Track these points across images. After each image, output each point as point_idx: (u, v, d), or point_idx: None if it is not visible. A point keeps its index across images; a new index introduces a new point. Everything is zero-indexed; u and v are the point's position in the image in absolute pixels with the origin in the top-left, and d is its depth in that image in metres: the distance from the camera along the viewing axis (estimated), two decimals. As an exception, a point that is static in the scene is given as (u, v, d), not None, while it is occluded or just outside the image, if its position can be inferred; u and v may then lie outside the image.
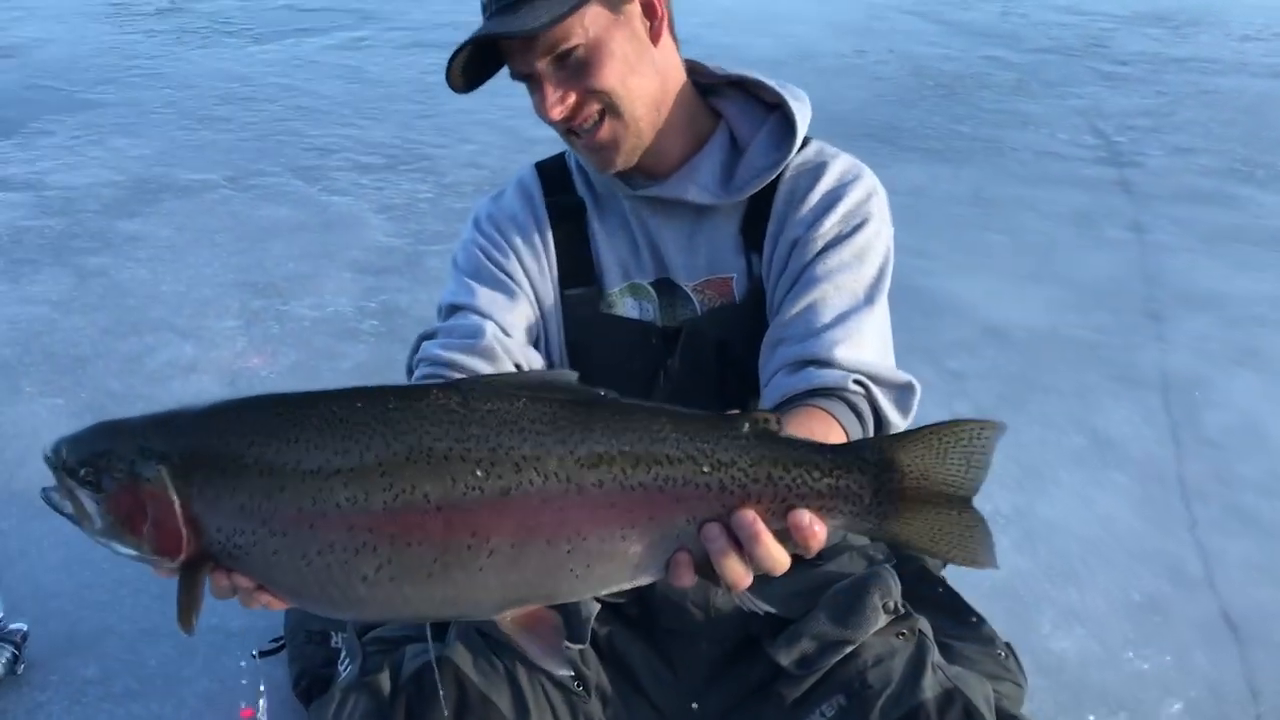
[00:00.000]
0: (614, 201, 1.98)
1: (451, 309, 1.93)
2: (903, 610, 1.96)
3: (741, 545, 1.32)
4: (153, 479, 1.29)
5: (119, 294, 4.54)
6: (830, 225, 1.84)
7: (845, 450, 1.37)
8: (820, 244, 1.83)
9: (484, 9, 1.75)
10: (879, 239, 1.87)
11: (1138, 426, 3.72)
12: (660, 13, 1.83)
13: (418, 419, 1.27)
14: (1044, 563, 3.10)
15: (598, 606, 1.98)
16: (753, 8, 8.82)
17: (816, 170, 1.89)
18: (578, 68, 1.73)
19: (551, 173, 2.05)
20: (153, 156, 5.80)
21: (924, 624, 1.99)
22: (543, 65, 1.72)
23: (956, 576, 2.23)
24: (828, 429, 1.65)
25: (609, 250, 1.97)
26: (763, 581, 2.11)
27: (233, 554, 1.31)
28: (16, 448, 3.51)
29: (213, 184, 5.50)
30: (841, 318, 1.78)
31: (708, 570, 1.34)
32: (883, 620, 1.92)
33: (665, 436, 1.31)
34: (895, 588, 1.97)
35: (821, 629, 1.91)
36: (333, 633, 2.55)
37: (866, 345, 1.79)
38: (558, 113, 1.75)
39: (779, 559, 1.33)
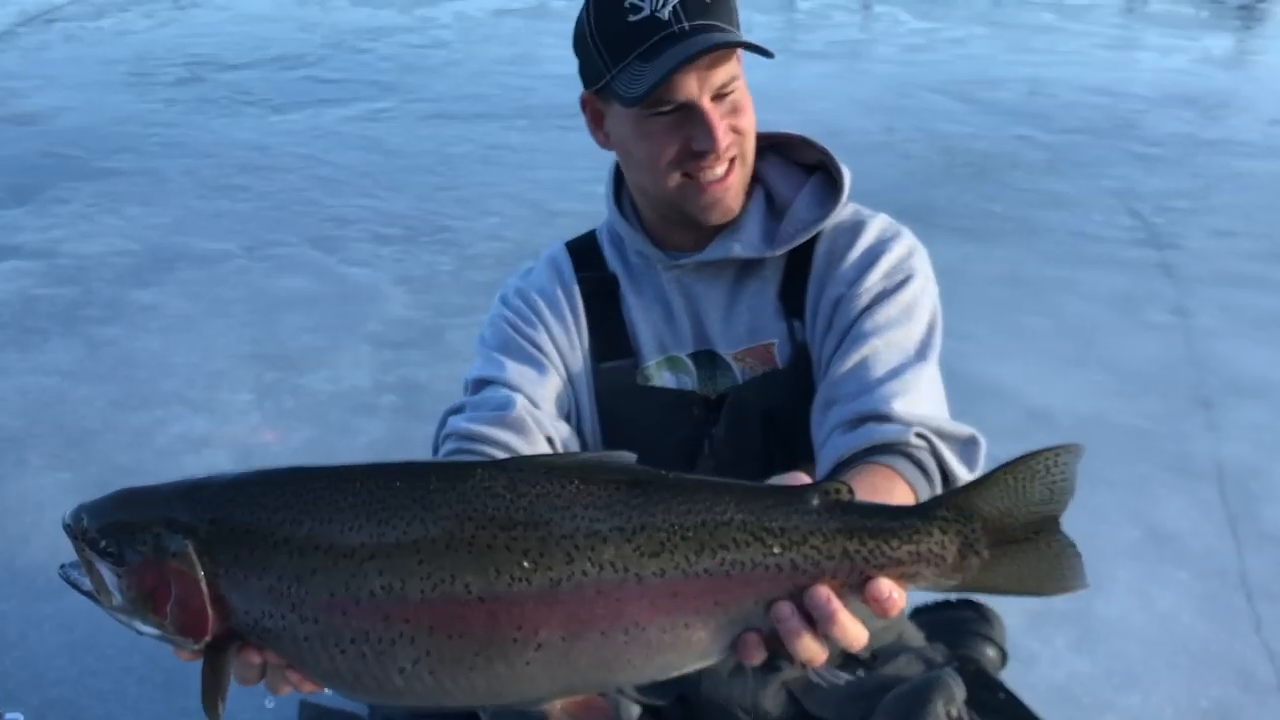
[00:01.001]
0: (649, 274, 1.92)
1: (479, 383, 1.84)
2: (967, 718, 1.82)
3: (815, 623, 1.21)
4: (178, 554, 1.19)
5: (130, 365, 4.41)
6: (874, 281, 1.77)
7: (920, 512, 1.26)
8: (865, 299, 1.76)
9: (660, 25, 1.66)
10: (925, 296, 1.80)
11: (1195, 520, 3.53)
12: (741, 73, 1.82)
13: (460, 502, 1.16)
14: (1104, 665, 2.91)
15: (638, 710, 1.88)
16: (777, 85, 8.78)
17: (855, 229, 1.84)
18: (731, 108, 1.72)
19: (582, 250, 2.00)
20: (169, 225, 5.71)
21: (991, 735, 1.86)
22: (707, 98, 1.69)
23: (1013, 680, 2.07)
24: (892, 486, 1.56)
25: (644, 323, 1.90)
26: (811, 686, 1.98)
27: (261, 637, 1.20)
28: (21, 523, 3.37)
29: (229, 253, 5.40)
30: (895, 372, 1.70)
31: (779, 646, 1.23)
32: None
33: (730, 518, 1.20)
34: (959, 693, 1.86)
35: (880, 738, 1.79)
36: (346, 735, 2.37)
37: (924, 399, 1.70)
38: (727, 141, 1.71)
39: (856, 635, 1.22)
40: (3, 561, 3.19)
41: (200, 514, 1.21)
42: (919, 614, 2.44)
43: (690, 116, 1.69)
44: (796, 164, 1.93)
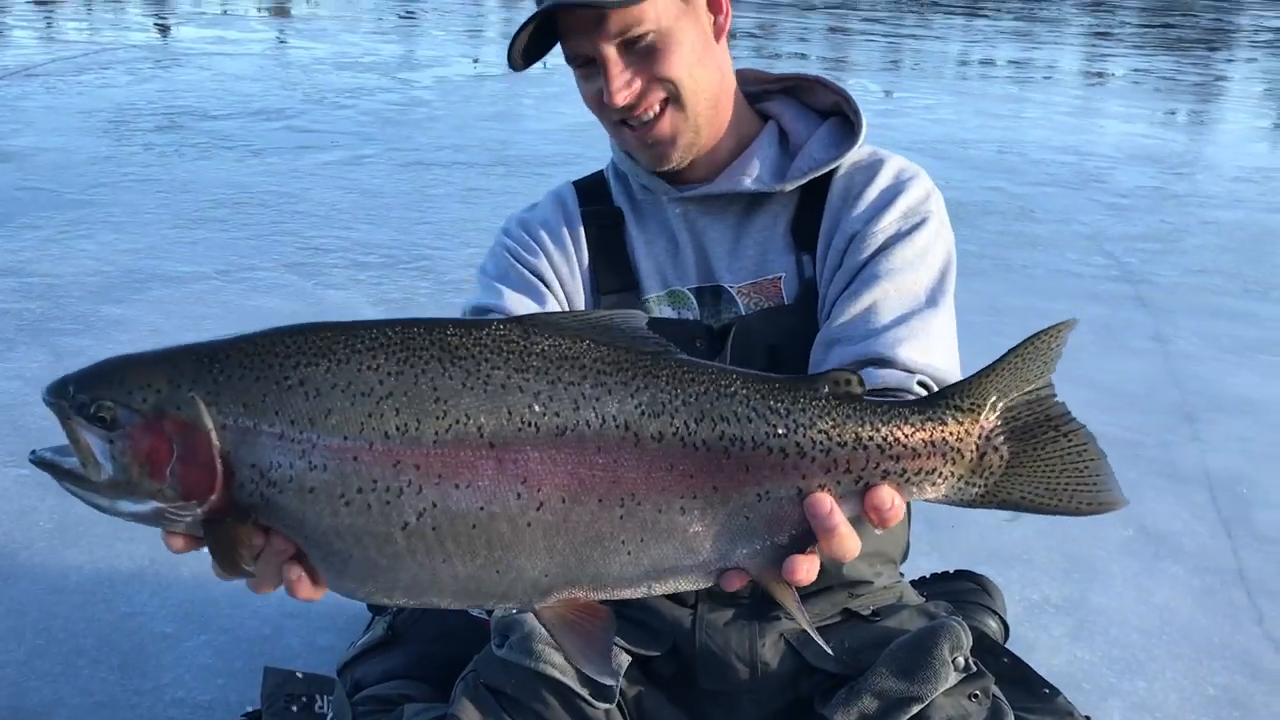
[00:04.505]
0: (655, 208, 1.90)
1: (478, 310, 1.81)
2: (974, 668, 1.75)
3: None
4: (184, 407, 1.13)
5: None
6: (889, 221, 1.74)
7: (934, 401, 1.23)
8: (880, 240, 1.72)
9: None
10: (939, 240, 1.76)
11: (1187, 521, 3.50)
12: (725, 9, 1.80)
13: (477, 345, 1.15)
14: (1104, 653, 2.84)
15: (627, 660, 1.81)
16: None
17: (872, 167, 1.81)
18: (646, 54, 1.67)
19: (588, 186, 1.98)
20: (142, 250, 5.64)
21: (997, 688, 1.78)
22: (610, 49, 1.65)
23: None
24: None
25: (647, 257, 1.88)
26: (811, 637, 1.89)
27: (264, 496, 1.13)
28: (-27, 515, 3.23)
29: (203, 275, 5.33)
30: (903, 318, 1.66)
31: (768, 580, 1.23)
32: (953, 678, 1.75)
33: (735, 392, 1.18)
34: (966, 641, 1.79)
35: (884, 685, 1.71)
36: (318, 695, 2.25)
37: (934, 348, 1.66)
38: (623, 97, 1.67)
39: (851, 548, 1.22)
40: (-44, 550, 3.06)
41: (206, 365, 1.15)
42: (917, 586, 2.37)
43: (599, 68, 1.68)
44: (813, 109, 1.92)
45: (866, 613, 1.93)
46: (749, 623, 1.86)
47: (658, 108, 1.71)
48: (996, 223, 6.91)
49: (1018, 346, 1.23)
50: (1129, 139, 10.27)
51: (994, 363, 1.24)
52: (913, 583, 2.37)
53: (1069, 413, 1.26)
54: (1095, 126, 11.08)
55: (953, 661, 1.73)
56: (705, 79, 1.73)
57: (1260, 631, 2.94)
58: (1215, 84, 15.20)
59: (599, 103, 1.72)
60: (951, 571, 2.48)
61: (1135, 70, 15.95)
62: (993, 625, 2.31)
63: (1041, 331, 1.24)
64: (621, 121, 1.74)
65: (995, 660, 1.99)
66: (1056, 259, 6.25)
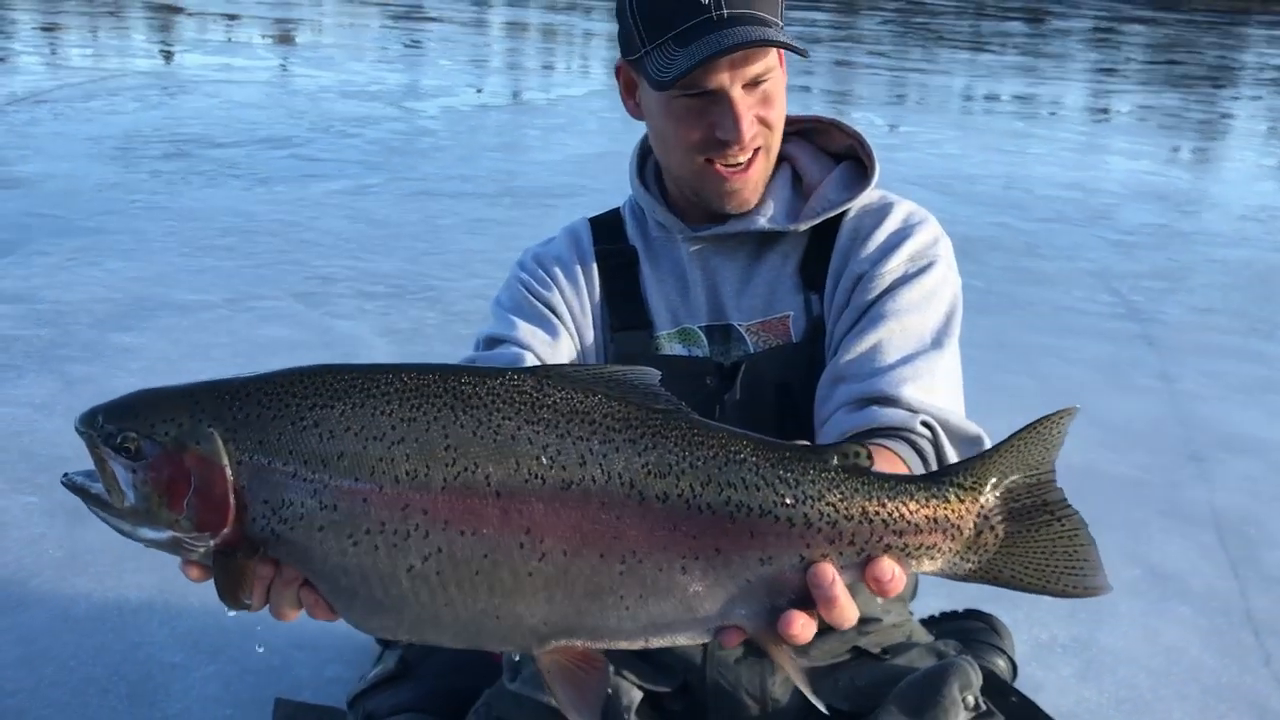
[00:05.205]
0: (668, 247, 1.93)
1: (491, 341, 1.84)
2: (984, 707, 1.76)
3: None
4: (203, 442, 1.18)
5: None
6: (897, 263, 1.77)
7: (935, 477, 1.26)
8: (887, 281, 1.76)
9: (698, 9, 1.64)
10: (946, 284, 1.79)
11: (1194, 561, 3.50)
12: (783, 65, 1.83)
13: (489, 395, 1.18)
14: (1111, 694, 2.84)
15: (639, 696, 1.81)
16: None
17: (882, 210, 1.85)
18: (762, 98, 1.73)
19: (604, 223, 2.01)
20: (151, 278, 5.66)
21: (1007, 730, 1.78)
22: (739, 86, 1.69)
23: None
24: (893, 468, 1.52)
25: (658, 295, 1.91)
26: (822, 676, 1.90)
27: (275, 532, 1.18)
28: (-20, 541, 3.23)
29: (211, 304, 5.35)
30: (908, 359, 1.69)
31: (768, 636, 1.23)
32: (963, 717, 1.76)
33: (744, 459, 1.19)
34: (975, 680, 1.80)
35: (894, 723, 1.70)
36: (327, 731, 2.25)
37: (938, 389, 1.68)
38: (751, 135, 1.72)
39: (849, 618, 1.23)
40: (-37, 576, 3.06)
41: (227, 404, 1.20)
42: (927, 624, 2.37)
43: (718, 103, 1.70)
44: (826, 152, 1.95)
45: (876, 651, 1.94)
46: (759, 659, 1.87)
47: (752, 152, 1.76)
48: (1002, 259, 6.94)
49: (1022, 430, 1.26)
50: (1135, 176, 10.31)
51: (998, 444, 1.27)
52: (922, 621, 2.37)
53: (1066, 499, 1.29)
54: (1101, 163, 11.13)
55: (962, 700, 1.74)
56: (781, 130, 1.80)
57: (1268, 673, 2.93)
58: (1221, 121, 15.27)
59: (706, 135, 1.73)
60: (961, 610, 2.48)
61: (1141, 107, 16.01)
62: (1001, 664, 2.32)
63: (1045, 417, 1.27)
64: (708, 161, 1.76)
65: (1004, 700, 2.00)
66: (1063, 296, 6.28)
